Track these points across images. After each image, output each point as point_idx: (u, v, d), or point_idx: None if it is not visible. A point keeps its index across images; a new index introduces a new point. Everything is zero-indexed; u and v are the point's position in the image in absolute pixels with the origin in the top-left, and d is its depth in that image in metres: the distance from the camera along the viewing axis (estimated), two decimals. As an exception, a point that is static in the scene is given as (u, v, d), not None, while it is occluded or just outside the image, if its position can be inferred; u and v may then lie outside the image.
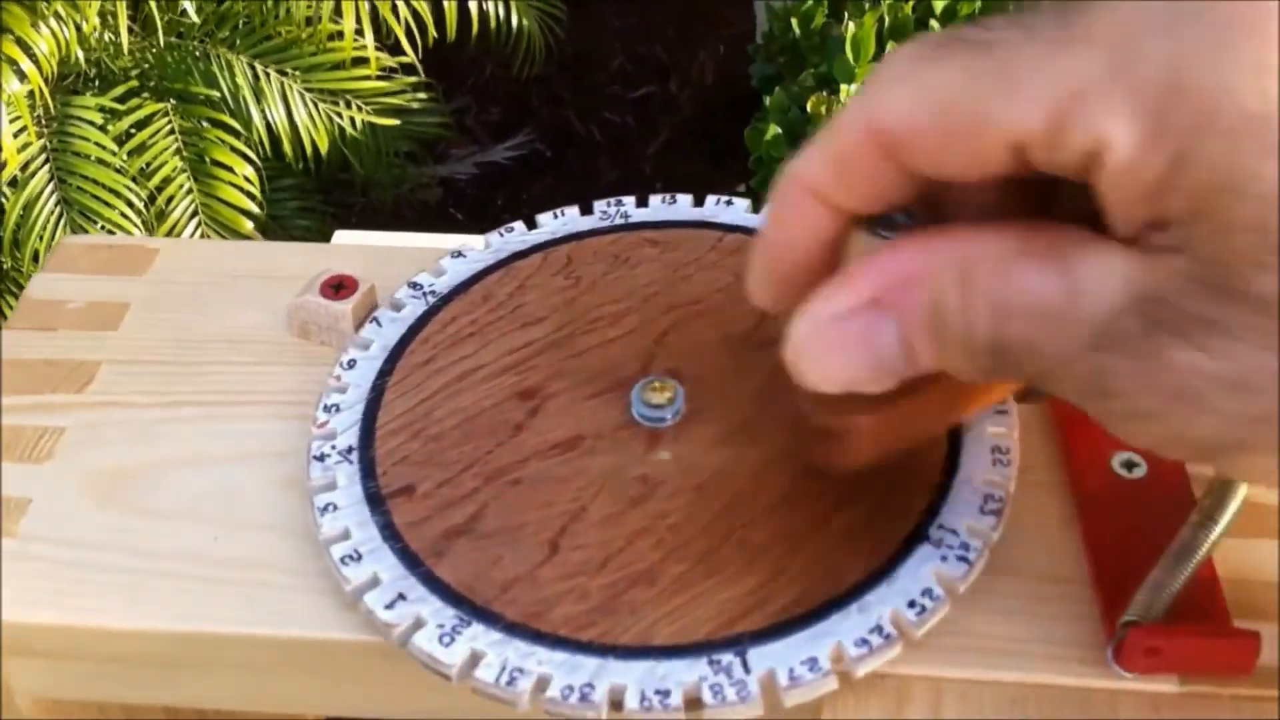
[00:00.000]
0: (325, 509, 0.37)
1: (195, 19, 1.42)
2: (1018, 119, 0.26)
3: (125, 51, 1.41)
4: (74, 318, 0.43)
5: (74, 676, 0.38)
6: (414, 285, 0.43)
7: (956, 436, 0.39)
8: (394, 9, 1.44)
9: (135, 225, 1.40)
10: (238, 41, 1.46)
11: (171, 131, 1.44)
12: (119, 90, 1.44)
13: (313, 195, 1.61)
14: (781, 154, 1.37)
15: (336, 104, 1.47)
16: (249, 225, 1.45)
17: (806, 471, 0.38)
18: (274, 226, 1.55)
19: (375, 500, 0.37)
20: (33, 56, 1.32)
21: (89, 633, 0.36)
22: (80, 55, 1.40)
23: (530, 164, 1.70)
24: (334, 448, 0.38)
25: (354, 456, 0.38)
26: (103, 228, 1.38)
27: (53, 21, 1.33)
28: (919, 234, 0.29)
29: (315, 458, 0.38)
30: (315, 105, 1.46)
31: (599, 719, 0.33)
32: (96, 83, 1.46)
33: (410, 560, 0.36)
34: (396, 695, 0.37)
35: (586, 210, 0.46)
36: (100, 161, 1.42)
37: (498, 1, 1.49)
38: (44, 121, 1.41)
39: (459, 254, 0.44)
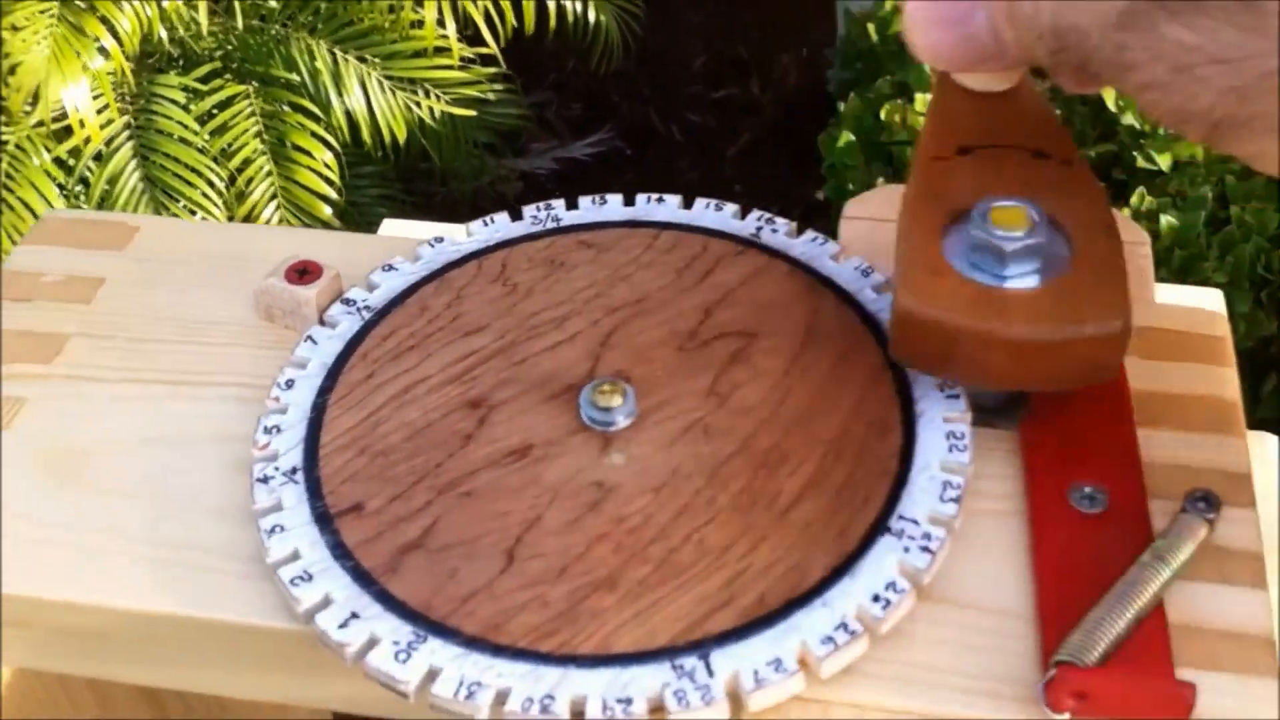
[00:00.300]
0: (273, 531, 0.37)
1: (276, 3, 1.44)
2: None
3: (205, 32, 1.44)
4: (50, 290, 0.44)
5: (18, 645, 0.38)
6: (347, 301, 0.43)
7: (911, 424, 0.39)
8: (484, 11, 1.44)
9: (215, 205, 1.42)
10: (319, 26, 1.48)
11: (253, 114, 1.46)
12: (202, 70, 1.46)
13: (393, 184, 1.62)
14: (854, 161, 1.35)
15: (415, 93, 1.48)
16: (327, 210, 1.46)
17: (762, 466, 0.38)
18: (353, 213, 1.56)
19: (324, 520, 0.37)
20: (115, 34, 1.35)
21: (27, 602, 0.37)
22: (164, 35, 1.42)
23: (610, 161, 1.70)
24: (277, 469, 0.38)
25: (299, 477, 0.38)
26: (184, 206, 1.41)
27: (136, 0, 1.35)
28: None
29: (259, 480, 0.38)
30: (393, 93, 1.47)
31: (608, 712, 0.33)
32: (181, 63, 1.49)
33: (363, 578, 0.36)
34: (326, 684, 0.37)
35: (517, 216, 0.45)
36: (182, 140, 1.44)
37: (575, -3, 1.49)
38: (128, 99, 1.44)
39: (390, 267, 0.44)
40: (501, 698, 0.33)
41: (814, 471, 0.38)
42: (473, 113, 1.49)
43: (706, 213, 0.45)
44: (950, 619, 0.36)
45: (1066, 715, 0.34)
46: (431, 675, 0.34)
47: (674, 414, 0.39)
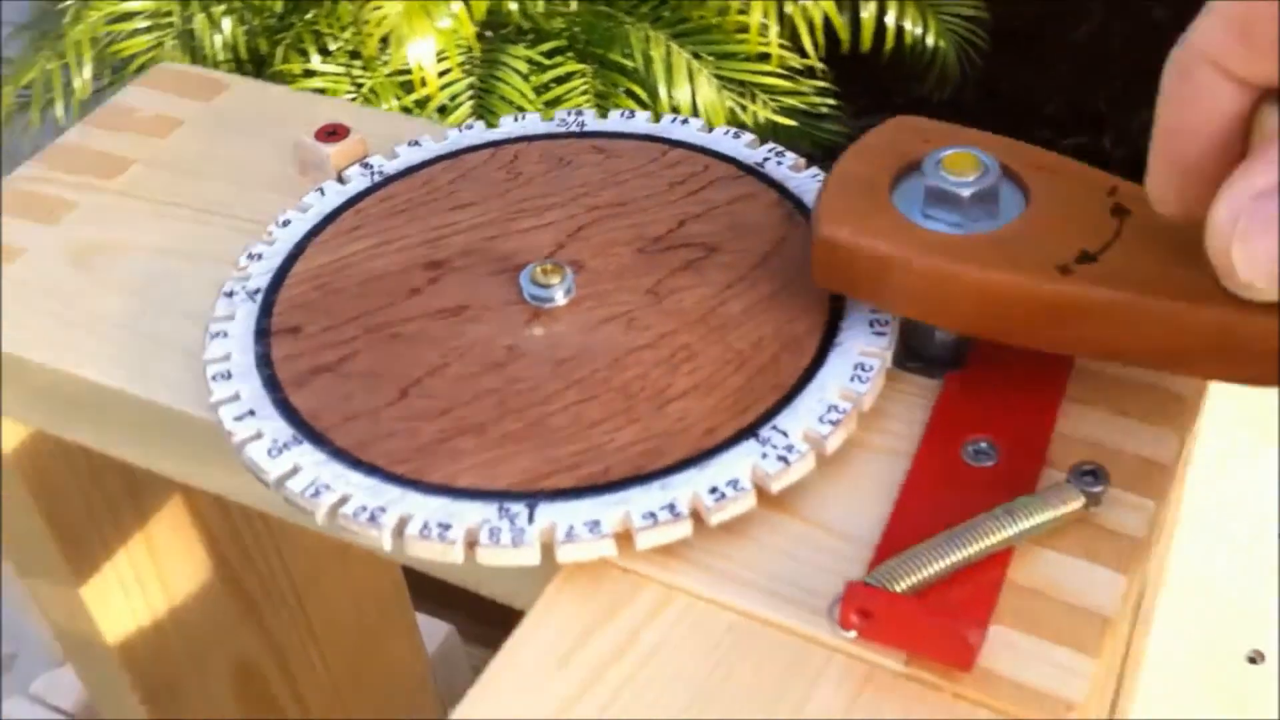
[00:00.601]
0: (216, 335, 0.42)
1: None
2: None
3: (543, 9, 1.53)
4: (137, 124, 0.51)
5: (14, 400, 0.45)
6: (366, 165, 0.47)
7: (825, 349, 0.40)
8: (809, 22, 1.48)
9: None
10: (663, 16, 1.55)
11: (586, 92, 1.55)
12: (547, 46, 1.56)
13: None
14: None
15: (742, 95, 1.54)
16: (643, 195, 1.53)
17: (666, 362, 0.40)
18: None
19: (262, 334, 0.42)
20: (466, 1, 1.46)
21: (20, 362, 0.44)
22: (514, 8, 1.53)
23: (941, 195, 1.70)
24: (244, 288, 0.43)
25: (259, 297, 0.43)
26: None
27: (484, -31, 1.47)
28: None
29: (225, 294, 0.43)
30: (720, 92, 1.52)
31: (380, 539, 0.37)
32: (530, 36, 1.60)
33: (272, 386, 0.40)
34: (223, 473, 0.42)
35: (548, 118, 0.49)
36: (519, 108, 1.54)
37: (915, 21, 1.50)
38: (475, 63, 1.56)
39: (416, 143, 0.48)
40: (341, 502, 0.37)
41: (711, 374, 0.40)
42: (794, 123, 1.53)
43: (723, 138, 0.47)
44: (795, 532, 0.37)
45: (853, 634, 0.35)
46: (293, 472, 0.38)
47: (607, 304, 0.42)
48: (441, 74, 1.50)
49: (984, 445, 0.38)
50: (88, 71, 1.48)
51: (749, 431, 0.38)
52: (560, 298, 0.42)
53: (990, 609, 0.35)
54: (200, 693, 0.61)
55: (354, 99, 1.52)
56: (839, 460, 0.39)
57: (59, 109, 1.48)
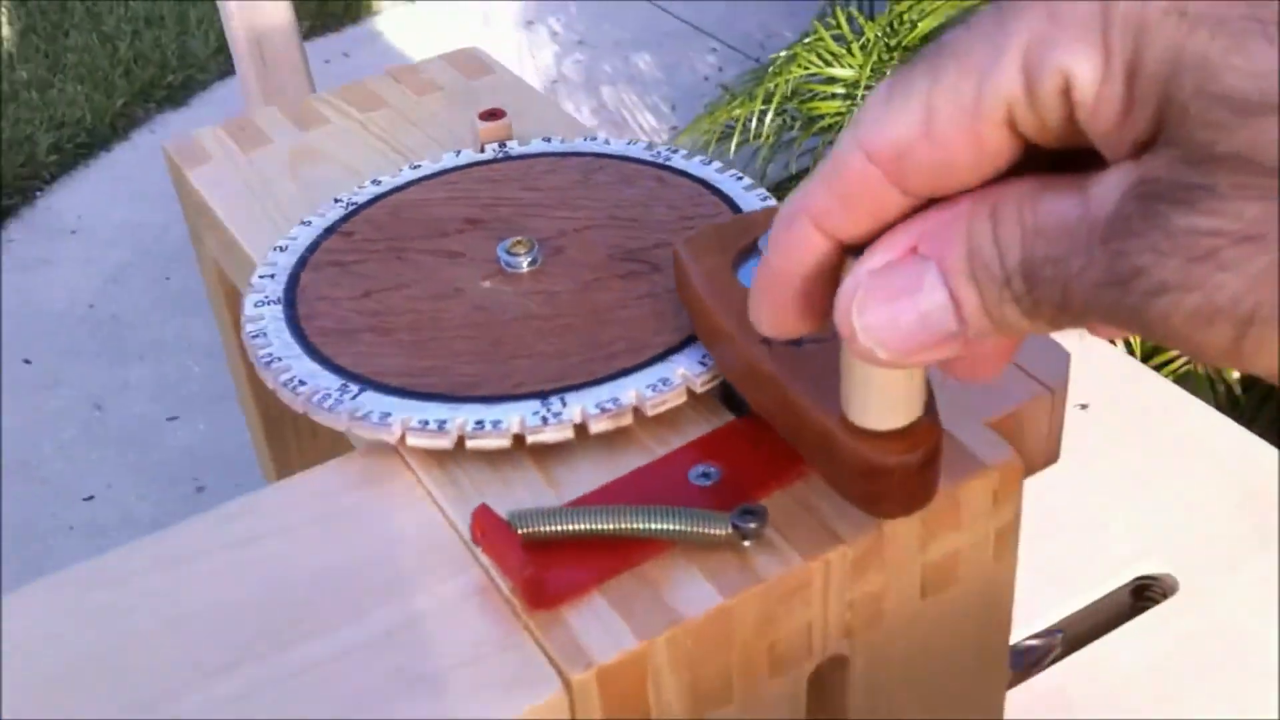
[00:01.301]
0: (303, 224, 0.58)
1: None
2: (995, 83, 0.30)
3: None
4: (413, 82, 0.68)
5: (215, 246, 0.64)
6: (501, 145, 0.61)
7: (653, 362, 0.49)
8: None
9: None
10: None
11: None
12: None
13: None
14: None
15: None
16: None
17: (546, 332, 0.51)
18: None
19: (329, 231, 0.57)
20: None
21: (215, 219, 0.62)
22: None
23: None
24: (348, 199, 0.58)
25: (350, 208, 0.58)
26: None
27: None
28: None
29: (335, 200, 0.59)
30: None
31: (271, 381, 0.50)
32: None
33: (300, 264, 0.55)
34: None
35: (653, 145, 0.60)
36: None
37: None
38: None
39: (547, 139, 0.60)
40: (266, 348, 0.51)
41: (561, 349, 0.49)
42: None
43: (749, 197, 0.56)
44: (530, 478, 0.46)
45: (480, 547, 0.44)
46: (258, 319, 0.53)
47: (549, 282, 0.53)
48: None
49: (711, 470, 0.45)
50: (769, 119, 1.69)
51: (541, 395, 0.48)
52: (524, 267, 0.53)
53: (597, 577, 0.42)
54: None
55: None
56: (606, 443, 0.47)
57: (733, 143, 1.70)
